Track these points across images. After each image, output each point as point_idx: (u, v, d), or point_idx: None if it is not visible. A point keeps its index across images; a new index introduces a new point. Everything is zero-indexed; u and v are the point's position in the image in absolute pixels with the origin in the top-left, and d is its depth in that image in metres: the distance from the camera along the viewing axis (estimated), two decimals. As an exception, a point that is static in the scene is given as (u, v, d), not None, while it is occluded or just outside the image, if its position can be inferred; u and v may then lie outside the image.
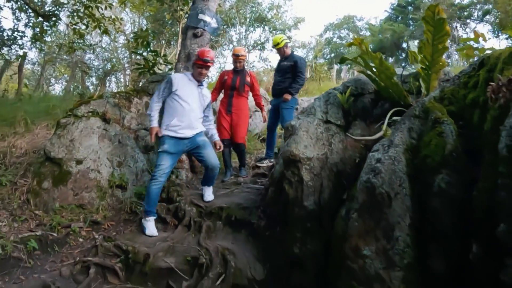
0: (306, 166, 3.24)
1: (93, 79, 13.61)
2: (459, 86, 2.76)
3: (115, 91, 5.68)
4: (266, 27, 15.09)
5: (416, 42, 4.25)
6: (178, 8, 6.57)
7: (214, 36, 6.38)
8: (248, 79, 5.23)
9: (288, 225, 3.33)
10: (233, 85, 5.17)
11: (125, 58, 11.99)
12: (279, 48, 5.65)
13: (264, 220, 3.92)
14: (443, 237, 2.10)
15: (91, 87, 13.41)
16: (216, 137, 4.41)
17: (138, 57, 7.33)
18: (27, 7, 8.78)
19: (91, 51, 10.47)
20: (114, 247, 3.40)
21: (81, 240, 3.80)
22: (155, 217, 3.95)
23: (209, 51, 4.05)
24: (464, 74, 2.84)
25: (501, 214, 1.81)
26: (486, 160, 2.06)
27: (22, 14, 9.67)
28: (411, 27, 16.36)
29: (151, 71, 5.86)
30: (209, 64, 3.99)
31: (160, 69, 6.14)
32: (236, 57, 5.21)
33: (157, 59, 5.87)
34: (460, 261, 2.02)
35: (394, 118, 3.04)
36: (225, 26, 13.00)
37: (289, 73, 5.53)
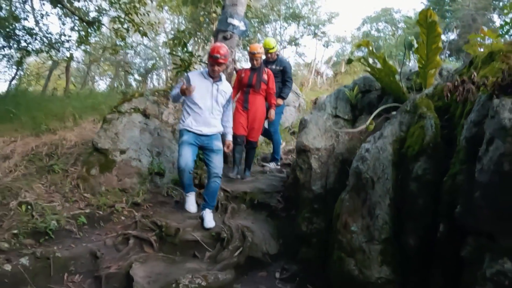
0: (315, 155, 3.64)
1: (136, 76, 14.67)
2: (450, 83, 3.03)
3: (156, 88, 6.33)
4: (301, 23, 15.35)
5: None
6: (212, 10, 7.10)
7: (243, 38, 6.76)
8: (265, 76, 5.19)
9: (299, 206, 3.77)
10: (249, 83, 5.17)
11: (166, 55, 12.81)
12: (271, 52, 5.76)
13: (282, 204, 4.40)
14: (417, 216, 2.44)
15: (134, 83, 14.46)
16: (229, 137, 4.35)
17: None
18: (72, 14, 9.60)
19: (133, 51, 11.36)
20: (151, 223, 4.00)
21: (123, 218, 4.43)
22: (195, 192, 4.26)
23: (220, 47, 3.95)
24: (457, 72, 3.10)
25: (459, 196, 2.14)
26: (456, 149, 2.37)
27: (67, 19, 10.45)
28: (446, 19, 15.84)
29: (187, 70, 6.43)
30: (219, 61, 3.90)
31: (195, 68, 6.72)
32: (252, 55, 5.15)
33: (192, 59, 6.43)
34: (431, 238, 2.36)
35: (394, 112, 3.35)
36: (260, 23, 13.47)
37: (278, 77, 5.71)
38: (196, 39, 8.81)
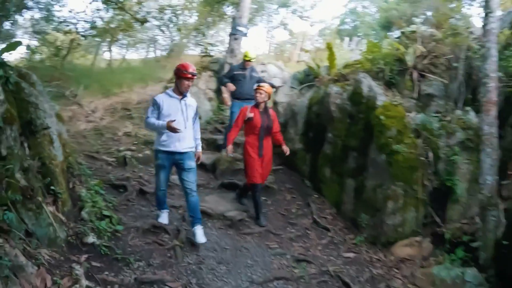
0: (281, 105, 7.72)
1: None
2: (337, 73, 7.07)
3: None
4: (290, 9, 19.22)
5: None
6: (224, 12, 10.81)
7: (246, 37, 10.12)
8: (272, 118, 5.17)
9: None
10: (262, 125, 4.99)
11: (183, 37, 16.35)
12: (251, 61, 6.59)
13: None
14: (313, 126, 6.53)
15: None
16: (199, 148, 4.53)
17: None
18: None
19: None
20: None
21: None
22: (167, 211, 4.72)
23: (191, 65, 4.15)
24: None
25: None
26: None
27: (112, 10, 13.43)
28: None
29: (210, 56, 10.31)
30: (195, 77, 4.21)
31: (213, 55, 10.56)
32: (258, 88, 5.06)
33: (209, 47, 10.23)
34: (318, 133, 6.47)
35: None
36: (257, 9, 17.08)
37: (253, 80, 6.45)
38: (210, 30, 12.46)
